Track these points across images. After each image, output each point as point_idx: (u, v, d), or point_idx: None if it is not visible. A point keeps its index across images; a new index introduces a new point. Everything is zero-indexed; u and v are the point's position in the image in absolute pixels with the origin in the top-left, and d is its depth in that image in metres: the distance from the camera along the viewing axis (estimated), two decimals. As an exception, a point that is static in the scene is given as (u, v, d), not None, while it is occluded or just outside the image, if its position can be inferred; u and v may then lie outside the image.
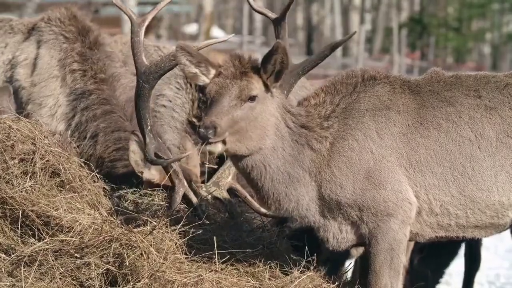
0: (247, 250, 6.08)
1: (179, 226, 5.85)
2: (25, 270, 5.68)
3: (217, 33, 40.86)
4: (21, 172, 5.98)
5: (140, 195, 6.61)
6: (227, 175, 6.73)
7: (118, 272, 5.67)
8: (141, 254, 5.66)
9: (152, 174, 6.65)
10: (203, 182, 6.78)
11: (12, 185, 5.91)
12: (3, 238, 5.84)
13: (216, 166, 7.06)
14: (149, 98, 6.15)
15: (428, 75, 5.91)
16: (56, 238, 5.76)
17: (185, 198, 6.42)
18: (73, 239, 5.74)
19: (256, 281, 5.89)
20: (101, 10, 33.08)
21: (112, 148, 7.06)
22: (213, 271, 5.83)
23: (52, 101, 7.40)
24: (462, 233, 5.81)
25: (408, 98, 5.79)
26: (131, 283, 5.63)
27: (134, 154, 6.61)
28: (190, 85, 7.75)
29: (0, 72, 7.66)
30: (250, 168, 5.66)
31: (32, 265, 5.70)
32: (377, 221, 5.66)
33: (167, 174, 6.38)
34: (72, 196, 5.99)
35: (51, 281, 5.67)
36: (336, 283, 5.91)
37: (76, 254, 5.70)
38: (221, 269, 5.89)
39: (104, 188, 6.31)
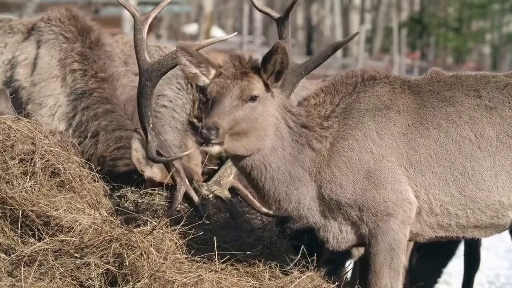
0: (247, 250, 6.07)
1: (179, 226, 5.84)
2: (25, 270, 5.68)
3: (217, 33, 40.84)
4: (21, 172, 5.98)
5: (141, 195, 6.61)
6: (229, 174, 6.73)
7: (118, 272, 5.67)
8: (141, 254, 5.66)
9: (154, 172, 6.65)
10: (204, 181, 6.78)
11: (12, 185, 5.91)
12: (3, 238, 5.84)
13: (216, 167, 7.06)
14: (151, 96, 6.15)
15: (428, 75, 5.91)
16: (56, 238, 5.76)
17: (187, 196, 6.41)
18: (73, 239, 5.74)
19: (256, 281, 5.89)
20: (101, 10, 33.07)
21: (113, 147, 7.06)
22: (213, 271, 5.82)
23: (53, 101, 7.40)
24: (462, 233, 5.81)
25: (408, 98, 5.78)
26: (131, 283, 5.63)
27: (137, 152, 6.61)
28: (191, 85, 7.75)
29: (-1, 72, 7.67)
30: (250, 168, 5.66)
31: (32, 265, 5.70)
32: (377, 221, 5.66)
33: (169, 172, 6.37)
34: (72, 196, 5.99)
35: (51, 281, 5.67)
36: (336, 283, 5.91)
37: (76, 254, 5.70)
38: (221, 269, 5.89)
39: (104, 188, 6.31)
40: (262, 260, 5.98)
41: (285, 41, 6.03)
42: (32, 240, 5.83)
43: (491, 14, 56.09)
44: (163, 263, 5.67)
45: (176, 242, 5.80)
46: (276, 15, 6.19)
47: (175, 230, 5.83)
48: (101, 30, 7.64)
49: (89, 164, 6.43)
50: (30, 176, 5.96)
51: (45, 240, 5.75)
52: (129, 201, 6.58)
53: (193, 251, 5.90)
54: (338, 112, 5.75)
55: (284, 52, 5.53)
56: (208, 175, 7.00)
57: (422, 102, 5.77)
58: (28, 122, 6.19)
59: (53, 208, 5.86)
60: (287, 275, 5.90)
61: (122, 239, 5.68)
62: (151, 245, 5.68)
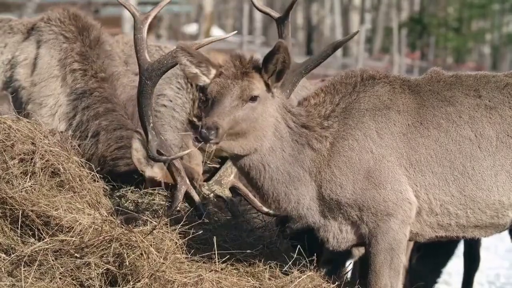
0: (247, 250, 6.07)
1: (179, 226, 5.84)
2: (25, 270, 5.68)
3: (217, 33, 40.81)
4: (21, 172, 5.97)
5: (141, 194, 6.61)
6: (229, 174, 6.73)
7: (118, 272, 5.67)
8: (141, 254, 5.66)
9: (155, 172, 6.65)
10: (205, 181, 6.78)
11: (12, 185, 5.91)
12: (3, 238, 5.84)
13: (217, 165, 7.06)
14: (152, 95, 6.15)
15: (428, 75, 5.91)
16: (56, 238, 5.76)
17: (187, 196, 6.41)
18: (73, 239, 5.74)
19: (256, 281, 5.88)
20: (101, 10, 33.07)
21: (114, 146, 7.06)
22: (213, 271, 5.82)
23: (53, 100, 7.40)
24: (462, 233, 5.81)
25: (408, 97, 5.78)
26: (131, 283, 5.63)
27: (137, 152, 6.61)
28: (191, 84, 7.75)
29: (-1, 72, 7.67)
30: (249, 167, 5.66)
31: (32, 265, 5.70)
32: (377, 221, 5.66)
33: (170, 172, 6.37)
34: (72, 196, 5.99)
35: (51, 281, 5.67)
36: (336, 283, 5.91)
37: (76, 254, 5.70)
38: (221, 269, 5.88)
39: (104, 188, 6.31)
40: (262, 260, 5.98)
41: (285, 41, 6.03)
42: (32, 240, 5.82)
43: (491, 14, 56.09)
44: (163, 263, 5.66)
45: (176, 242, 5.80)
46: (276, 15, 6.20)
47: (175, 230, 5.83)
48: (101, 30, 7.64)
49: (89, 164, 6.43)
50: (30, 176, 5.95)
51: (45, 240, 5.75)
52: (129, 201, 6.58)
53: (193, 251, 5.90)
54: (338, 112, 5.75)
55: (286, 51, 5.53)
56: (209, 173, 7.00)
57: (422, 102, 5.77)
58: (28, 122, 6.19)
59: (53, 208, 5.86)
60: (287, 275, 5.90)
61: (122, 239, 5.68)
62: (151, 245, 5.68)
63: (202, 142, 5.45)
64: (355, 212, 5.68)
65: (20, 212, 5.82)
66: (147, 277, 5.61)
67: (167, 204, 6.49)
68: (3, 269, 5.70)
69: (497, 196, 5.70)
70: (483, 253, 8.66)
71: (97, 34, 7.54)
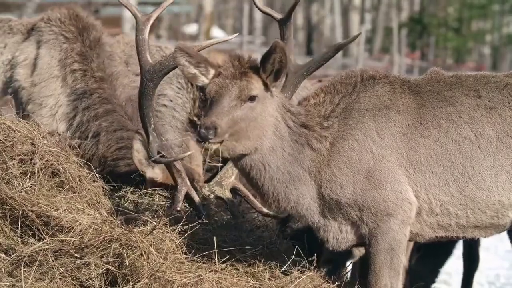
0: (247, 250, 6.07)
1: (179, 226, 5.84)
2: (25, 270, 5.68)
3: (217, 33, 40.87)
4: (20, 173, 5.98)
5: (140, 195, 6.61)
6: (230, 175, 6.73)
7: (118, 272, 5.67)
8: (141, 254, 5.66)
9: (156, 173, 6.65)
10: (206, 182, 6.78)
11: (12, 185, 5.91)
12: (3, 238, 5.84)
13: (218, 164, 7.06)
14: (153, 97, 6.15)
15: (428, 75, 5.91)
16: (56, 238, 5.76)
17: (188, 197, 6.41)
18: (73, 239, 5.74)
19: (256, 281, 5.88)
20: (101, 10, 33.09)
21: (114, 147, 7.06)
22: (213, 271, 5.82)
23: (53, 101, 7.40)
24: (462, 233, 5.81)
25: (408, 98, 5.78)
26: (131, 283, 5.63)
27: (138, 153, 6.61)
28: (191, 84, 7.76)
29: (-1, 72, 7.67)
30: (249, 167, 5.66)
31: (32, 265, 5.70)
32: (377, 221, 5.66)
33: (170, 173, 6.37)
34: (72, 196, 5.99)
35: (51, 281, 5.67)
36: (336, 283, 5.90)
37: (76, 254, 5.70)
38: (221, 269, 5.88)
39: (103, 188, 6.31)
40: (262, 260, 5.98)
41: (287, 42, 6.04)
42: (32, 240, 5.83)
43: (491, 14, 56.10)
44: (163, 263, 5.67)
45: (176, 242, 5.80)
46: (278, 16, 6.18)
47: (175, 230, 5.83)
48: (102, 30, 7.63)
49: (88, 164, 6.43)
50: (30, 176, 5.96)
51: (45, 240, 5.75)
52: (129, 201, 6.58)
53: (193, 251, 5.90)
54: (338, 112, 5.75)
55: (282, 51, 5.54)
56: (210, 172, 7.00)
57: (422, 102, 5.77)
58: (27, 123, 6.19)
59: (53, 208, 5.86)
60: (287, 275, 5.90)
61: (122, 239, 5.68)
62: (151, 245, 5.68)
63: (202, 142, 5.46)
64: (355, 212, 5.68)
65: (20, 213, 5.82)
66: (147, 277, 5.61)
67: (167, 204, 6.49)
68: (3, 269, 5.71)
69: (497, 197, 5.70)
70: (483, 253, 8.67)
71: (97, 34, 7.54)
